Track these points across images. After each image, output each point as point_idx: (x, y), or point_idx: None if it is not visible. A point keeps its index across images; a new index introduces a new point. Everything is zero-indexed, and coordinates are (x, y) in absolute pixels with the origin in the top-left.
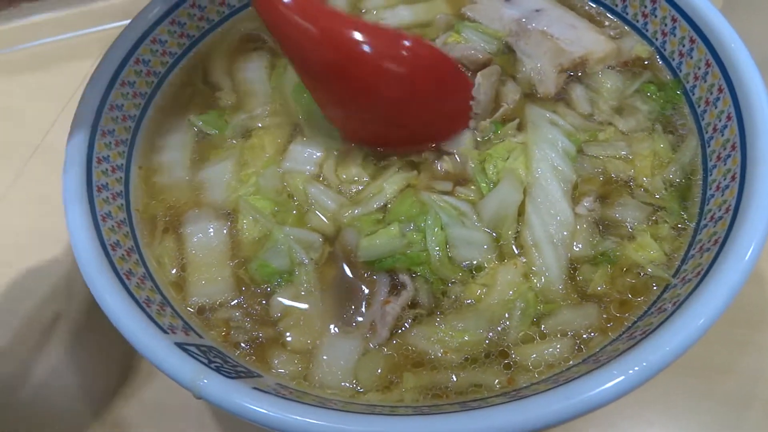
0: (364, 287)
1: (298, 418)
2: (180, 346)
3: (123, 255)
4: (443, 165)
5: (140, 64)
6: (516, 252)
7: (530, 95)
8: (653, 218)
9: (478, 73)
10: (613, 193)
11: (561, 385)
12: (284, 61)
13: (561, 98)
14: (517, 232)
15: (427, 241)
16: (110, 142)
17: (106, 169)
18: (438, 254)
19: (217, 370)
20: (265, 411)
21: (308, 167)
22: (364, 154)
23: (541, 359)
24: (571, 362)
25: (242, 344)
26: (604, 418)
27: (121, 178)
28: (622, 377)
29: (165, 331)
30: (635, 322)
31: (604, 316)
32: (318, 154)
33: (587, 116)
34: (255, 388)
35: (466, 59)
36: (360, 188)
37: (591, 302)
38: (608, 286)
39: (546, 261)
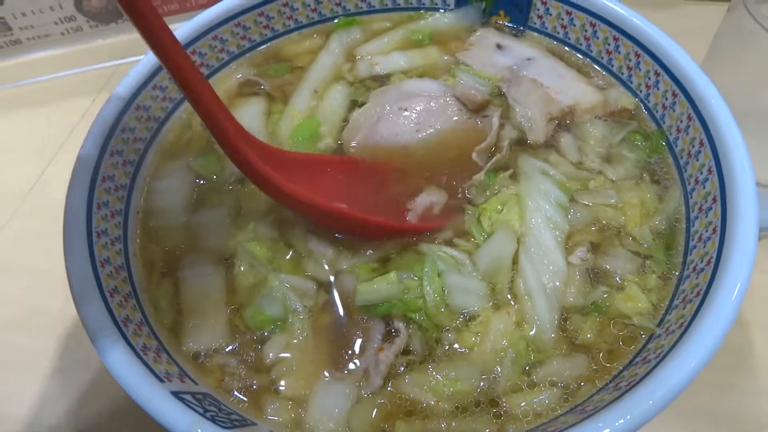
0: (358, 333)
1: None
2: (176, 395)
3: (121, 301)
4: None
5: (141, 110)
6: (510, 300)
7: (521, 142)
8: (642, 269)
9: (495, 115)
10: (605, 241)
11: None
12: (281, 107)
13: (551, 146)
14: (511, 280)
15: (423, 288)
16: (110, 188)
17: (106, 215)
18: (434, 300)
19: (213, 419)
20: None
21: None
22: None
23: (530, 408)
24: (558, 411)
25: (236, 391)
26: None
27: (120, 223)
28: (608, 430)
29: (161, 380)
30: (621, 372)
31: (593, 366)
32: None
33: (577, 164)
34: None
35: (466, 98)
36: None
37: (580, 352)
38: (597, 336)
39: (538, 310)
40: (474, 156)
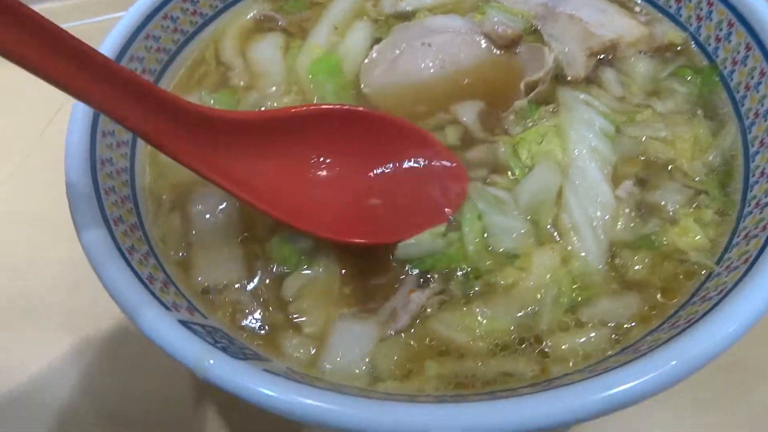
0: (389, 276)
1: (313, 402)
2: (184, 324)
3: (126, 230)
4: (473, 153)
5: (150, 40)
6: (554, 237)
7: (559, 78)
8: (695, 203)
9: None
10: (652, 176)
11: (597, 375)
12: (299, 43)
13: (592, 81)
14: (555, 216)
15: (463, 233)
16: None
17: (111, 144)
18: (475, 246)
19: (224, 350)
20: (276, 395)
21: None
22: None
23: (576, 349)
24: (609, 353)
25: (250, 327)
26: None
27: (126, 153)
28: (664, 369)
29: (168, 308)
30: (677, 311)
31: (645, 304)
32: None
33: (620, 99)
34: (265, 371)
35: (495, 34)
36: None
37: (631, 290)
38: (649, 272)
39: (585, 244)
40: (522, 86)
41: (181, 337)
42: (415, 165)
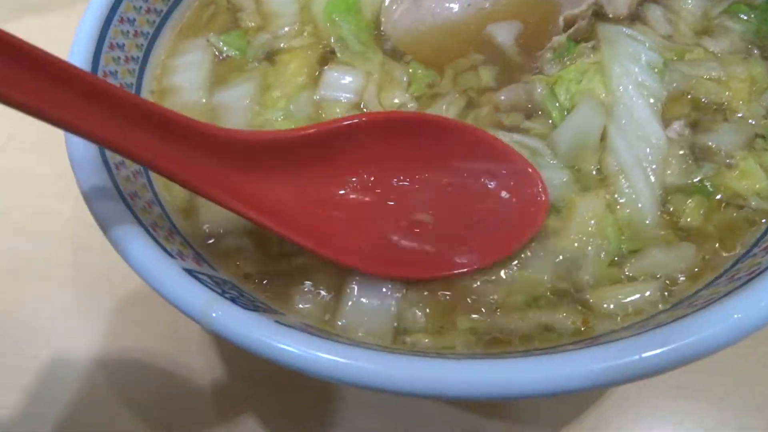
0: None
1: (330, 357)
2: (190, 272)
3: (129, 176)
4: (506, 93)
5: None
6: (599, 183)
7: (598, 16)
8: (753, 147)
9: None
10: (705, 117)
11: (648, 330)
12: None
13: (636, 18)
14: (599, 161)
15: None
16: (119, 57)
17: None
18: None
19: (233, 301)
20: (290, 348)
21: (346, 95)
22: (410, 76)
23: (624, 304)
24: (660, 308)
25: (260, 279)
26: None
27: None
28: (726, 324)
29: (173, 257)
30: (737, 263)
31: (700, 257)
32: (356, 79)
33: (668, 38)
34: (278, 323)
35: None
36: None
37: (684, 240)
38: (704, 220)
39: (636, 187)
40: (560, 21)
41: (186, 286)
42: (482, 185)
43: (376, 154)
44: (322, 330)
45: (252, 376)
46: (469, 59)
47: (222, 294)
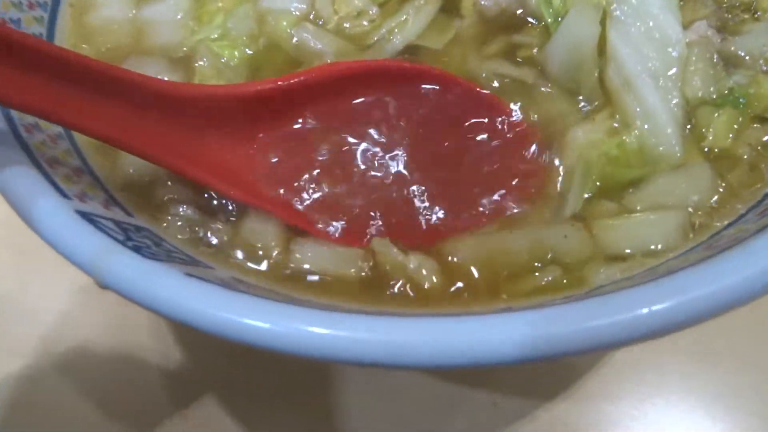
0: None
1: (230, 316)
2: (84, 214)
3: None
4: (492, 4)
5: None
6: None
7: None
8: None
9: None
10: (731, 20)
11: (656, 279)
12: None
13: None
14: (600, 73)
15: None
16: None
17: (20, 2)
18: None
19: (137, 249)
20: (188, 304)
21: (295, 4)
22: None
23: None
24: (669, 251)
25: (192, 229)
26: None
27: (42, 17)
28: (755, 269)
29: (67, 197)
30: None
31: (724, 183)
32: None
33: None
34: (190, 275)
35: None
36: (368, 27)
37: (708, 164)
38: (735, 140)
39: (645, 103)
40: None
41: (74, 230)
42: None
43: (342, 112)
44: (255, 287)
45: (212, 359)
46: None
47: (124, 241)
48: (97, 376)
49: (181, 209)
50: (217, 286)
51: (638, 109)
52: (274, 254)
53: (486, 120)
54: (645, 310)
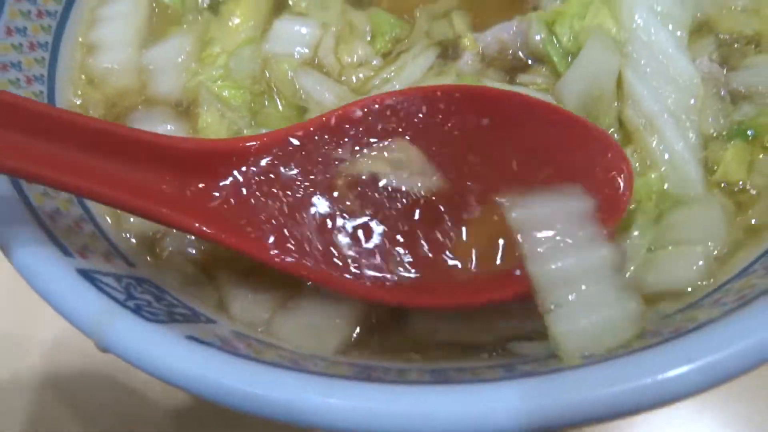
0: None
1: (236, 386)
2: (85, 273)
3: None
4: (490, 36)
5: None
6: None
7: None
8: None
9: None
10: (733, 54)
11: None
12: None
13: None
14: (619, 113)
15: None
16: (29, 11)
17: (20, 44)
18: None
19: (137, 310)
20: (193, 372)
21: (298, 49)
22: (373, 26)
23: None
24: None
25: (195, 279)
26: None
27: (43, 58)
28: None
29: (68, 253)
30: None
31: (737, 222)
32: (311, 31)
33: None
34: (190, 338)
35: None
36: (370, 74)
37: (725, 200)
38: (747, 172)
39: (669, 141)
40: None
41: (73, 292)
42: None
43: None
44: (257, 342)
45: None
46: (441, 3)
47: (124, 301)
48: (99, 407)
49: (181, 260)
50: (216, 350)
51: (662, 149)
52: (266, 318)
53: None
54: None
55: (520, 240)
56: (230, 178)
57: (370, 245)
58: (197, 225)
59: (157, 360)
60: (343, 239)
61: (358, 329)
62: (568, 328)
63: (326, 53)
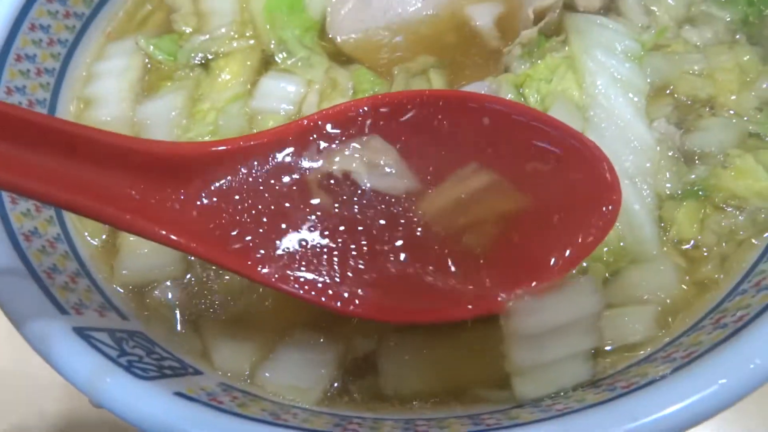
0: None
1: None
2: (80, 331)
3: (28, 210)
4: None
5: None
6: None
7: (569, 7)
8: (746, 144)
9: None
10: (690, 116)
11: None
12: None
13: (610, 9)
14: None
15: None
16: (28, 70)
17: (20, 102)
18: None
19: (129, 366)
20: (174, 427)
21: (284, 105)
22: (355, 84)
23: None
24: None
25: (182, 331)
26: None
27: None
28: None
29: (64, 311)
30: (723, 301)
31: (689, 279)
32: (296, 88)
33: (645, 28)
34: (178, 394)
35: None
36: None
37: (679, 256)
38: (698, 230)
39: (624, 204)
40: (530, 13)
41: (69, 351)
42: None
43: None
44: (242, 393)
45: None
46: (419, 62)
47: (116, 358)
48: None
49: (168, 311)
50: (202, 406)
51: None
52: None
53: None
54: None
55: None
56: (198, 182)
57: (336, 251)
58: (163, 232)
59: (146, 416)
60: (311, 246)
61: (336, 382)
62: (529, 388)
63: (310, 109)
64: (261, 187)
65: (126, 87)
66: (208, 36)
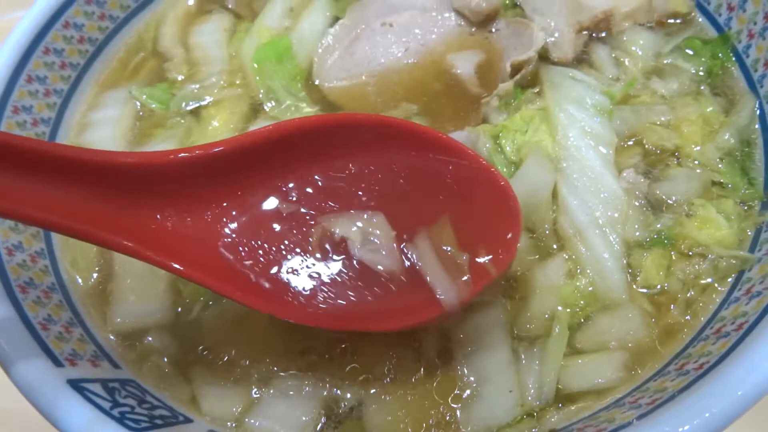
0: None
1: None
2: (75, 384)
3: (24, 261)
4: None
5: (70, 29)
6: (554, 247)
7: (543, 58)
8: (712, 194)
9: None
10: (657, 166)
11: None
12: (246, 26)
13: (582, 61)
14: (553, 221)
15: None
16: (24, 121)
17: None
18: None
19: (121, 418)
20: None
21: None
22: None
23: None
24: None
25: (172, 377)
26: None
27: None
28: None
29: (59, 363)
30: (687, 347)
31: (654, 321)
32: None
33: (615, 80)
34: None
35: (468, 9)
36: None
37: (646, 303)
38: (664, 277)
39: (595, 250)
40: (507, 67)
41: (64, 404)
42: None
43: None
44: None
45: None
46: (402, 109)
47: (109, 410)
48: None
49: (158, 358)
50: None
51: (589, 256)
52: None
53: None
54: None
55: None
56: (167, 191)
57: (299, 266)
58: (129, 244)
59: None
60: (278, 258)
61: (320, 424)
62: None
63: None
64: (224, 194)
65: (119, 135)
66: (199, 86)
